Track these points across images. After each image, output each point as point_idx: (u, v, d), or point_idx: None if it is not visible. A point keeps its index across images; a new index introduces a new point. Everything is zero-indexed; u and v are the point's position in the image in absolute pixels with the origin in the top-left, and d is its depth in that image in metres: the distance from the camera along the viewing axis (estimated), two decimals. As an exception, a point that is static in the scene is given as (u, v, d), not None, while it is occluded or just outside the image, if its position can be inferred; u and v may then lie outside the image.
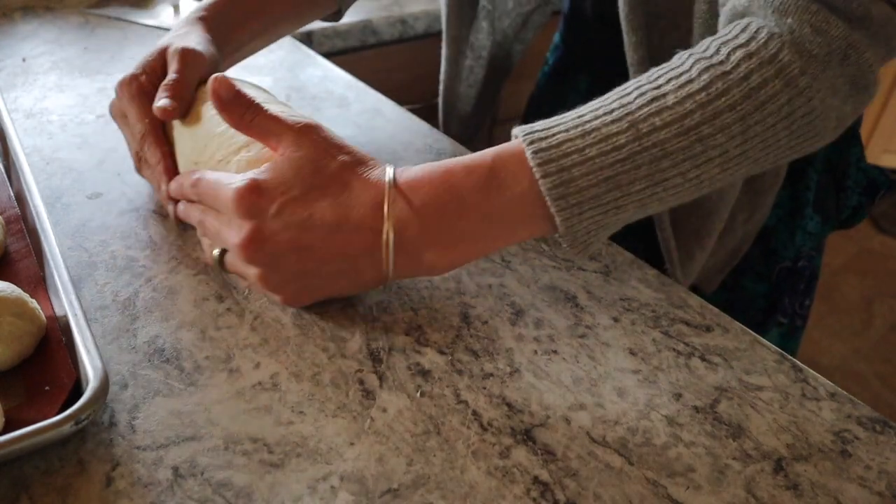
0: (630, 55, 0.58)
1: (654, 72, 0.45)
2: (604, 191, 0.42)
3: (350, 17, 1.18)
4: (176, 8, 1.04)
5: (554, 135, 0.42)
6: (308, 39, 1.13)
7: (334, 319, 0.50)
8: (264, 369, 0.46)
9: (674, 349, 0.48)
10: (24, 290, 0.47)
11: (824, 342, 1.89)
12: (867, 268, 2.17)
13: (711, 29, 0.54)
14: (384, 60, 1.25)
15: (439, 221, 0.45)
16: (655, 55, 0.55)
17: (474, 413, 0.43)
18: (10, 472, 0.39)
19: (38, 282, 0.50)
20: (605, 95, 0.45)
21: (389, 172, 0.46)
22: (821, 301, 2.02)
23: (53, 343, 0.45)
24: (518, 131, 0.44)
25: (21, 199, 0.56)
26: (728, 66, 0.43)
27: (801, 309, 0.79)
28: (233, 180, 0.47)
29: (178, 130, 0.58)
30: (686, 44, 0.53)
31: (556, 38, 0.85)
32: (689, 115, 0.41)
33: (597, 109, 0.43)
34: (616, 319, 0.51)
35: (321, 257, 0.46)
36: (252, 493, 0.38)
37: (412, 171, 0.46)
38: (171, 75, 0.56)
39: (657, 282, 0.54)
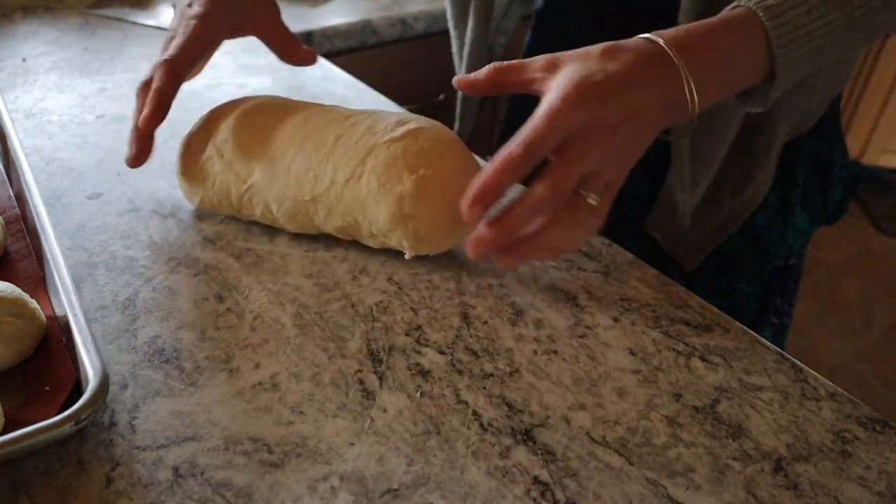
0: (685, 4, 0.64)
1: None
2: (803, 53, 0.54)
3: (350, 17, 1.18)
4: (176, 8, 1.04)
5: (784, 9, 0.54)
6: (308, 39, 1.13)
7: (334, 319, 0.50)
8: (264, 369, 0.46)
9: (674, 349, 0.49)
10: (24, 290, 0.47)
11: (824, 342, 1.89)
12: (867, 268, 2.17)
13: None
14: (384, 60, 1.25)
15: (709, 65, 0.53)
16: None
17: (474, 413, 0.43)
18: (10, 472, 0.39)
19: (38, 282, 0.50)
20: None
21: (646, 38, 0.52)
22: (821, 301, 2.02)
23: (53, 343, 0.45)
24: (750, 4, 0.55)
25: (21, 199, 0.56)
26: None
27: (788, 307, 0.82)
28: (549, 186, 0.45)
29: (260, 170, 0.54)
30: None
31: (528, 39, 0.86)
32: (875, 8, 0.54)
33: None
34: (616, 319, 0.51)
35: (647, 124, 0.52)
36: (252, 494, 0.38)
37: (666, 33, 0.53)
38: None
39: (657, 282, 0.54)
